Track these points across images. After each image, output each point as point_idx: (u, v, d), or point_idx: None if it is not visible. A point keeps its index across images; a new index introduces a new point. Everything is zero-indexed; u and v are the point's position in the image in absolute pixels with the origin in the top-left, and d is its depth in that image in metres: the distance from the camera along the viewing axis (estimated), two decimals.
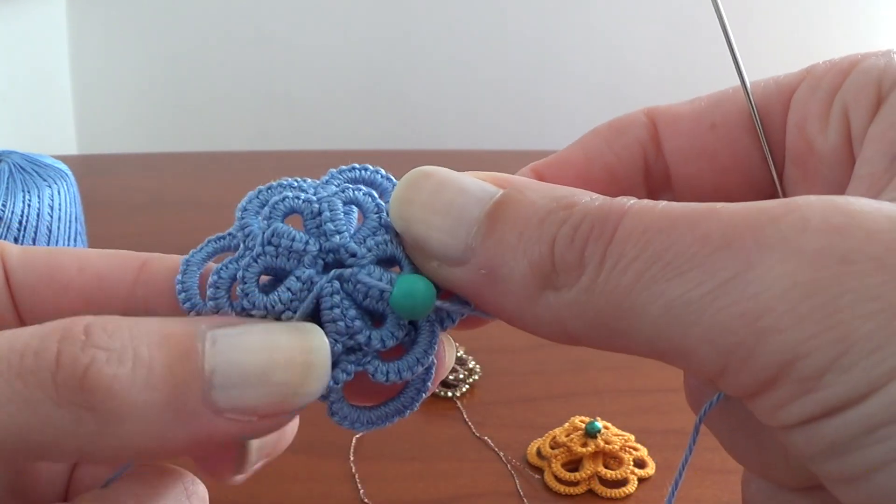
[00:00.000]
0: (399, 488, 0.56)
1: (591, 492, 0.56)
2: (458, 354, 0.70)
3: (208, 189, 1.10)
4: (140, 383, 0.20)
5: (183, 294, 0.24)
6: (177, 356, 0.20)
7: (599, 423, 0.58)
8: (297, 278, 0.23)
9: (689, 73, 1.72)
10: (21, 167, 0.67)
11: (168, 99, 1.76)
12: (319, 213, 0.24)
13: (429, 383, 0.26)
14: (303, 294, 0.23)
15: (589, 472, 0.56)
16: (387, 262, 0.24)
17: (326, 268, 0.24)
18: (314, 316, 0.24)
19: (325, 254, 0.24)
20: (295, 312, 0.23)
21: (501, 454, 0.59)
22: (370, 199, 0.25)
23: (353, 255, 0.24)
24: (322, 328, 0.23)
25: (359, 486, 0.56)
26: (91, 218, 0.75)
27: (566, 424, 0.60)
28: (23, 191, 0.65)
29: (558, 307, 0.21)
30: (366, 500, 0.55)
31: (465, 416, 0.63)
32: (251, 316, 0.23)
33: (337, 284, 0.23)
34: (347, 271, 0.23)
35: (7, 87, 1.42)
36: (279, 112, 1.77)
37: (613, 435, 0.58)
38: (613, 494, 0.55)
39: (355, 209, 0.25)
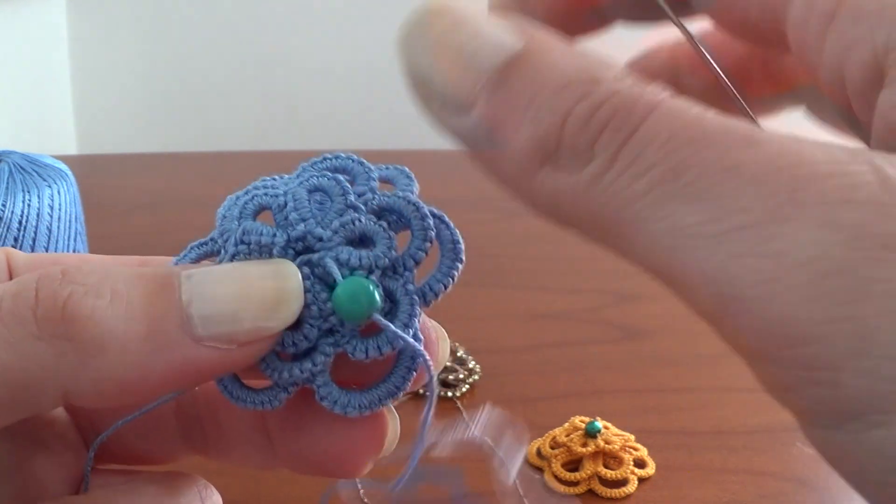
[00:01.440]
0: (399, 488, 0.56)
1: (591, 492, 0.56)
2: (459, 354, 0.70)
3: (208, 189, 1.10)
4: (119, 314, 0.20)
5: None
6: (154, 289, 0.21)
7: (599, 423, 0.58)
8: None
9: None
10: (21, 167, 0.67)
11: (168, 99, 1.76)
12: (286, 205, 0.24)
13: (418, 360, 0.25)
14: None
15: (589, 472, 0.56)
16: (360, 241, 0.24)
17: (300, 257, 0.24)
18: None
19: (294, 243, 0.24)
20: None
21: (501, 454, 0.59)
22: (334, 182, 0.25)
23: (320, 239, 0.24)
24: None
25: (359, 486, 0.56)
26: (91, 218, 0.75)
27: (566, 424, 0.60)
28: (23, 191, 0.65)
29: (555, 187, 0.19)
30: (366, 501, 0.55)
31: (465, 416, 0.63)
32: None
33: (307, 270, 0.23)
34: (315, 256, 0.23)
35: (7, 87, 1.42)
36: (279, 112, 1.77)
37: (613, 435, 0.58)
38: (613, 494, 0.55)
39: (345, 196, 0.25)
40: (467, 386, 0.67)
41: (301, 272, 0.23)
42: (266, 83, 1.77)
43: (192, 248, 0.25)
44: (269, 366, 0.24)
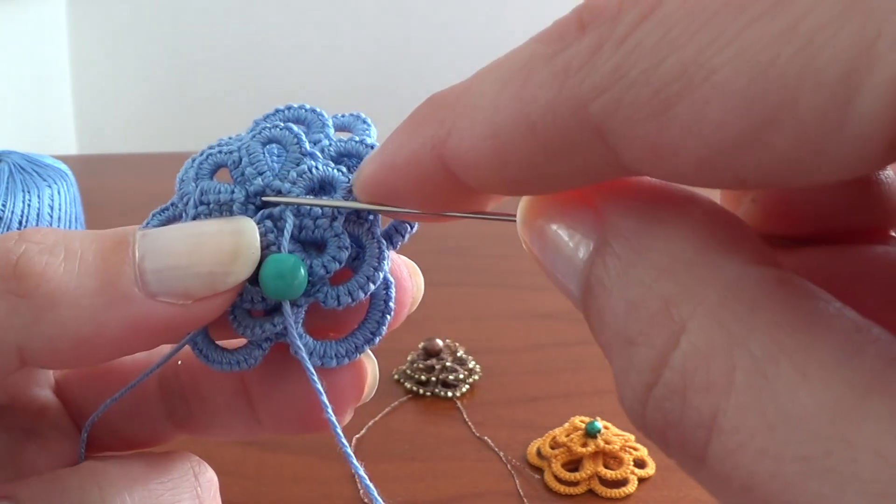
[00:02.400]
0: (399, 488, 0.56)
1: (591, 492, 0.56)
2: (459, 354, 0.70)
3: None
4: (72, 270, 0.20)
5: None
6: (108, 246, 0.21)
7: (599, 423, 0.58)
8: None
9: None
10: (21, 167, 0.67)
11: (168, 99, 1.76)
12: (241, 161, 0.24)
13: (391, 304, 0.25)
14: None
15: (589, 472, 0.56)
16: (321, 188, 0.24)
17: (260, 212, 0.24)
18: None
19: (253, 198, 0.23)
20: None
21: (501, 454, 0.59)
22: (288, 132, 0.24)
23: (279, 192, 0.23)
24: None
25: (359, 486, 0.56)
26: (91, 218, 0.75)
27: (566, 424, 0.60)
28: (23, 191, 0.65)
29: (578, 75, 0.15)
30: (366, 501, 0.55)
31: (465, 416, 0.63)
32: None
33: (269, 224, 0.23)
34: (276, 209, 0.23)
35: (7, 87, 1.42)
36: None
37: (613, 435, 0.58)
38: (613, 494, 0.55)
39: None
40: (467, 386, 0.67)
41: (265, 226, 0.23)
42: (266, 83, 1.77)
43: (154, 216, 0.25)
44: (241, 323, 0.23)
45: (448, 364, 0.68)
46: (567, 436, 0.58)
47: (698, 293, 0.15)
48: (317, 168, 0.24)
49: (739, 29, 0.13)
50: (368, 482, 0.23)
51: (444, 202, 0.21)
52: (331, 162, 0.24)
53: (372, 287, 0.24)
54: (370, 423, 0.62)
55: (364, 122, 0.26)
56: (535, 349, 0.72)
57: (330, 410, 0.23)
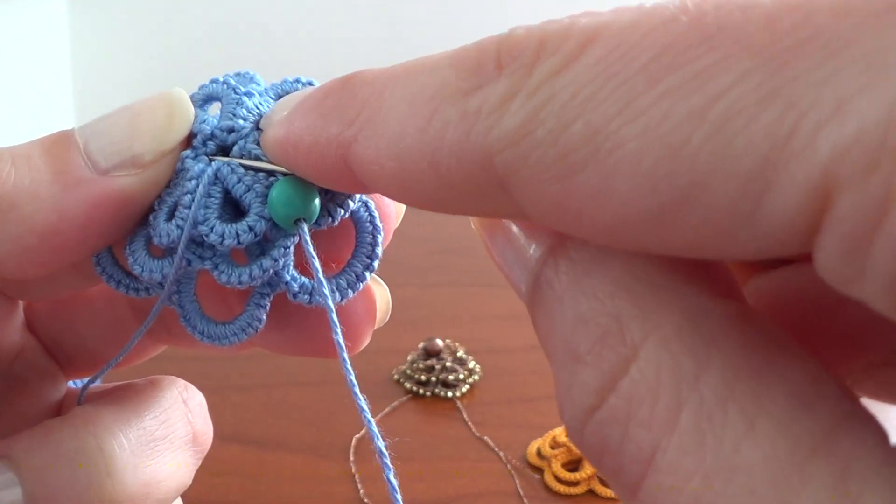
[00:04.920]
0: (399, 488, 0.56)
1: (591, 492, 0.56)
2: (459, 354, 0.70)
3: None
4: (23, 170, 0.21)
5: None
6: (52, 141, 0.22)
7: None
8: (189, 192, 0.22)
9: None
10: None
11: None
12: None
13: (377, 221, 0.24)
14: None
15: (589, 472, 0.56)
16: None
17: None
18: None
19: (205, 147, 0.23)
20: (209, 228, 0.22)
21: (501, 454, 0.59)
22: (216, 84, 0.25)
23: (231, 130, 0.23)
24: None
25: (359, 486, 0.56)
26: None
27: None
28: None
29: (486, 122, 0.15)
30: (366, 501, 0.55)
31: (465, 416, 0.63)
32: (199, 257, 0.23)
33: (210, 173, 0.22)
34: (235, 148, 0.23)
35: (7, 85, 1.42)
36: None
37: None
38: (613, 494, 0.55)
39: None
40: (467, 386, 0.67)
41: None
42: (267, 82, 1.77)
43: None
44: (226, 271, 0.22)
45: (448, 364, 0.68)
46: (567, 436, 0.58)
47: (654, 319, 0.14)
48: (262, 104, 0.24)
49: (651, 102, 0.13)
50: (380, 441, 0.22)
51: (346, 190, 0.21)
52: (271, 100, 0.24)
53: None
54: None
55: (297, 80, 0.25)
56: (535, 349, 0.72)
57: (341, 341, 0.22)
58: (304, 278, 0.23)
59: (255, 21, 1.74)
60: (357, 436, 0.60)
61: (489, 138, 0.14)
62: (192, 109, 0.23)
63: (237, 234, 0.22)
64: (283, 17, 1.74)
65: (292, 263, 0.23)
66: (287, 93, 0.25)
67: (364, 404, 0.22)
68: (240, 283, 0.22)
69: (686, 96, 0.12)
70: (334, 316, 0.22)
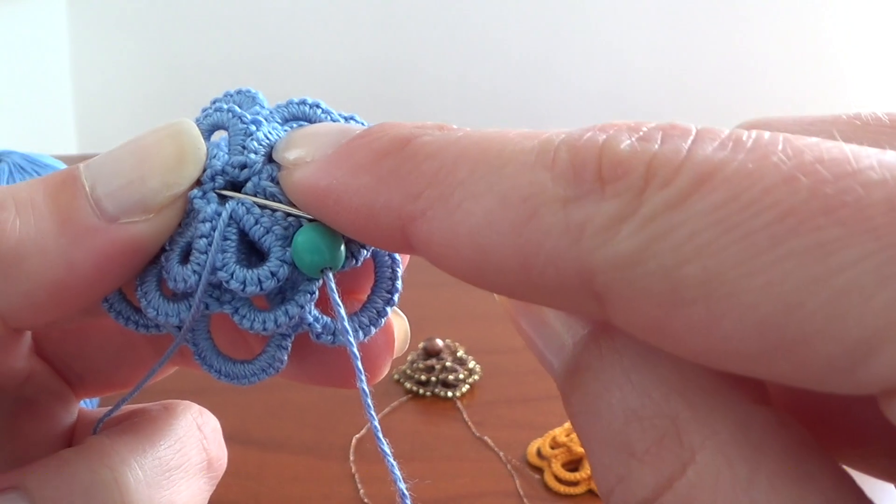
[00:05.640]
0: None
1: (591, 492, 0.56)
2: (459, 354, 0.70)
3: None
4: (27, 220, 0.20)
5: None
6: (56, 185, 0.21)
7: None
8: (203, 236, 0.21)
9: (687, 75, 1.73)
10: (21, 167, 0.67)
11: (168, 99, 1.76)
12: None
13: (396, 254, 0.23)
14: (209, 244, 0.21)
15: (589, 472, 0.56)
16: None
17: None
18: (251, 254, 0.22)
19: (213, 182, 0.22)
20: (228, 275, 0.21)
21: (501, 454, 0.59)
22: (220, 112, 0.23)
23: (244, 166, 0.21)
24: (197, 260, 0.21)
25: (359, 486, 0.56)
26: None
27: (566, 424, 0.60)
28: None
29: (594, 240, 0.15)
30: (366, 501, 0.55)
31: (465, 416, 0.63)
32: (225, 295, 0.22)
33: (226, 216, 0.21)
34: (249, 185, 0.21)
35: (7, 87, 1.42)
36: None
37: None
38: None
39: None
40: (467, 386, 0.67)
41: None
42: (267, 84, 1.77)
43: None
44: (248, 317, 0.21)
45: (448, 364, 0.68)
46: (567, 436, 0.58)
47: (710, 424, 0.15)
48: (270, 133, 0.22)
49: (773, 261, 0.13)
50: (393, 461, 0.22)
51: (392, 250, 0.21)
52: (278, 126, 0.23)
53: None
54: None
55: (303, 102, 0.24)
56: None
57: (365, 386, 0.21)
58: (326, 318, 0.22)
59: (256, 22, 1.74)
60: (357, 436, 0.60)
61: (595, 257, 0.15)
62: (203, 147, 0.22)
63: (259, 281, 0.21)
64: (284, 18, 1.74)
65: (314, 303, 0.22)
66: (295, 116, 0.23)
67: (386, 447, 0.21)
68: (264, 329, 0.21)
69: (809, 264, 0.13)
70: (359, 363, 0.21)
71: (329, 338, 0.22)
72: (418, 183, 0.17)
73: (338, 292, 0.21)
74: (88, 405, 0.51)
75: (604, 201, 0.15)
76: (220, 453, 0.25)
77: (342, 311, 0.21)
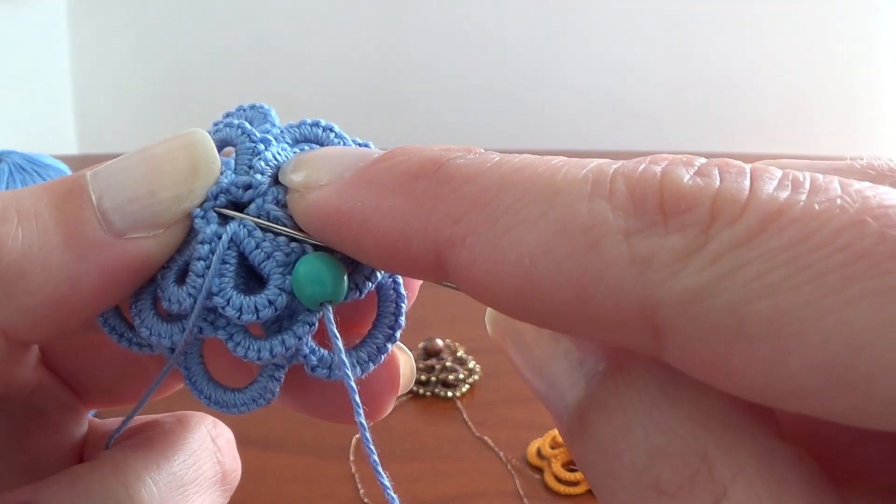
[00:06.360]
0: (399, 488, 0.56)
1: (591, 492, 0.56)
2: (459, 354, 0.70)
3: None
4: (31, 232, 0.19)
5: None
6: (61, 195, 0.19)
7: None
8: (200, 258, 0.20)
9: (687, 74, 1.72)
10: (21, 167, 0.67)
11: (168, 99, 1.76)
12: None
13: (401, 289, 0.22)
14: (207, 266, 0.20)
15: None
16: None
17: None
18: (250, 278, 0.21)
19: (216, 200, 0.21)
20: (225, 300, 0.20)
21: (501, 454, 0.59)
22: (229, 128, 0.22)
23: (249, 186, 0.21)
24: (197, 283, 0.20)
25: (359, 486, 0.56)
26: None
27: None
28: None
29: (660, 273, 0.14)
30: (366, 501, 0.55)
31: (465, 416, 0.63)
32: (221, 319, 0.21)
33: (226, 240, 0.20)
34: (252, 206, 0.21)
35: (7, 87, 1.42)
36: (279, 111, 1.77)
37: None
38: None
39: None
40: (467, 386, 0.67)
41: (224, 240, 0.20)
42: (267, 83, 1.77)
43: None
44: (243, 344, 0.21)
45: (448, 364, 0.68)
46: None
47: (739, 459, 0.15)
48: (279, 153, 0.21)
49: (846, 300, 0.13)
50: (393, 494, 0.22)
51: (419, 278, 0.20)
52: (288, 147, 0.22)
53: (379, 275, 0.21)
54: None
55: (315, 124, 0.23)
56: None
57: (363, 421, 0.21)
58: (322, 350, 0.21)
59: (256, 22, 1.74)
60: (357, 436, 0.60)
61: (661, 290, 0.14)
62: (217, 160, 0.20)
63: (256, 310, 0.20)
64: (284, 17, 1.74)
65: (312, 335, 0.21)
66: (306, 138, 0.23)
67: (386, 480, 0.22)
68: (259, 358, 0.21)
69: (880, 306, 0.13)
70: (356, 397, 0.20)
71: (325, 371, 0.21)
72: (459, 206, 0.17)
73: (336, 325, 0.20)
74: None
75: (669, 234, 0.15)
76: (234, 465, 0.25)
77: (340, 345, 0.20)
